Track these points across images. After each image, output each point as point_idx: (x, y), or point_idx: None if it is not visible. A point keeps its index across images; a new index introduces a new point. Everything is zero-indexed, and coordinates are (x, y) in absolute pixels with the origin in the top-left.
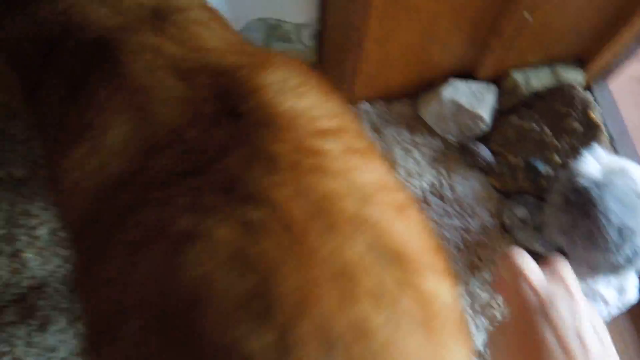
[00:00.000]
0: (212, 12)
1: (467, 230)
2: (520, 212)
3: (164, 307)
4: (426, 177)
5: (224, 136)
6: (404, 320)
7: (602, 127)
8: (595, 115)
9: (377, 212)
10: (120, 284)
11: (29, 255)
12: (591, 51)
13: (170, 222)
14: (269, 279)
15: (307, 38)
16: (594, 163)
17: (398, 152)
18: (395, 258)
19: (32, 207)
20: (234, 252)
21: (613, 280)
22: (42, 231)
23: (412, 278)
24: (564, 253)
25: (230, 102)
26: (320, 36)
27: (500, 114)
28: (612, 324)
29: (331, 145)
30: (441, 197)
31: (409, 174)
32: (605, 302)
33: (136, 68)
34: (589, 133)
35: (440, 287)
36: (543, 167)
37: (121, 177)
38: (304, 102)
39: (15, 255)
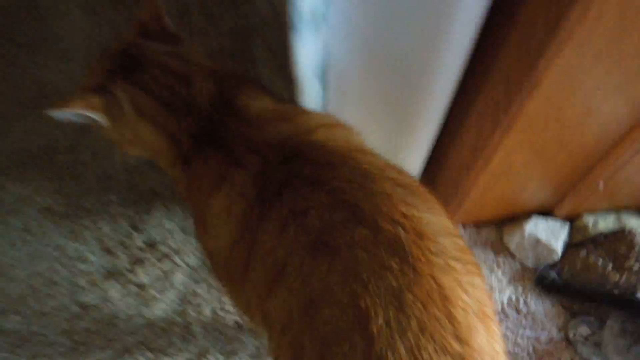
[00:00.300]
0: None
1: (537, 340)
2: (583, 329)
3: None
4: (506, 292)
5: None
6: None
7: None
8: None
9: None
10: None
11: (196, 329)
12: None
13: None
14: None
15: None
16: None
17: (484, 270)
18: None
19: (200, 288)
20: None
21: None
22: (207, 309)
23: None
24: None
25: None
26: (427, 167)
27: (570, 246)
28: None
29: (458, 266)
30: (517, 311)
31: (492, 289)
32: None
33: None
34: None
35: None
36: (553, 275)
37: None
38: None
39: (186, 327)
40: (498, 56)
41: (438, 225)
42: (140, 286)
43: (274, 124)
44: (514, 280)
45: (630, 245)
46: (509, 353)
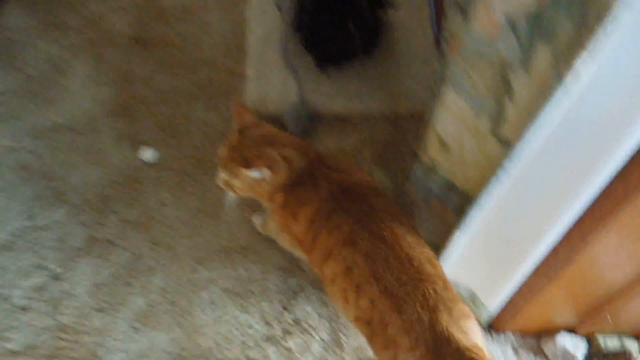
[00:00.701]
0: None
1: None
2: None
3: None
4: None
5: None
6: None
7: None
8: None
9: None
10: None
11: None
12: None
13: None
14: None
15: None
16: None
17: None
18: None
19: (330, 357)
20: None
21: None
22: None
23: None
24: None
25: None
26: None
27: (587, 357)
28: None
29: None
30: None
31: None
32: None
33: None
34: None
35: None
36: None
37: None
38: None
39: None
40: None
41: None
42: (289, 350)
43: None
44: None
45: None
46: None
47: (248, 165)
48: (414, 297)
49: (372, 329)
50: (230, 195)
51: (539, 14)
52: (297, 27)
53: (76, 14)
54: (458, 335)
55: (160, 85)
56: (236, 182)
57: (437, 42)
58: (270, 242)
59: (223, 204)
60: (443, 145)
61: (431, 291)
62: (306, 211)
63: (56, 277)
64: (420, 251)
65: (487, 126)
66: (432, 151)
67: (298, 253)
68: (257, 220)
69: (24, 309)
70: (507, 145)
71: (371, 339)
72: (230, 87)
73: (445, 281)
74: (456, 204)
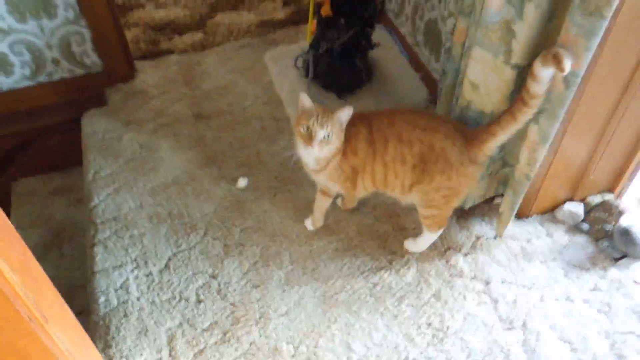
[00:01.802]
0: None
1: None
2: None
3: None
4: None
5: None
6: None
7: None
8: None
9: None
10: None
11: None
12: None
13: None
14: None
15: None
16: None
17: None
18: None
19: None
20: None
21: None
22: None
23: None
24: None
25: None
26: None
27: (587, 211)
28: None
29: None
30: None
31: None
32: None
33: None
34: None
35: None
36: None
37: None
38: None
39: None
40: None
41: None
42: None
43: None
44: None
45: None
46: None
47: (335, 111)
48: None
49: (425, 168)
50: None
51: None
52: (315, 76)
53: (145, 110)
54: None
55: (228, 139)
56: (333, 134)
57: (411, 62)
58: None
59: (313, 201)
60: (475, 87)
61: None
62: (361, 145)
63: (213, 276)
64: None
65: (502, 60)
66: (466, 94)
67: (346, 189)
68: (339, 202)
69: (200, 301)
70: (516, 67)
71: (428, 175)
72: (277, 127)
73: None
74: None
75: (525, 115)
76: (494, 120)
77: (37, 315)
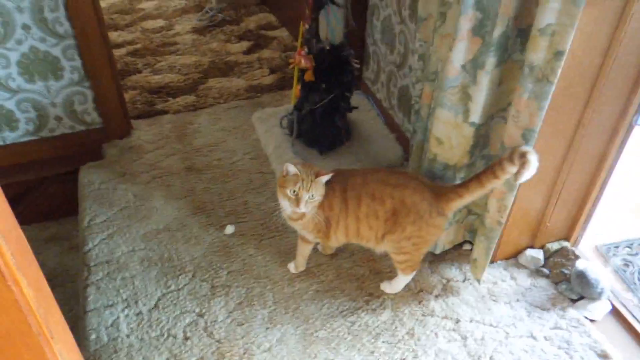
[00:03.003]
0: None
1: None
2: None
3: None
4: None
5: None
6: None
7: None
8: None
9: None
10: None
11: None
12: None
13: None
14: None
15: None
16: None
17: None
18: None
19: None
20: None
21: None
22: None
23: None
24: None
25: None
26: None
27: (547, 256)
28: None
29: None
30: None
31: None
32: None
33: None
34: None
35: None
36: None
37: None
38: None
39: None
40: None
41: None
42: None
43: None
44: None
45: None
46: None
47: (319, 174)
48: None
49: (396, 220)
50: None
51: (475, 58)
52: (298, 134)
53: (139, 163)
54: None
55: (217, 190)
56: (316, 194)
57: (386, 124)
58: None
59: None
60: (440, 142)
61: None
62: (336, 201)
63: (200, 315)
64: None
65: (461, 119)
66: (433, 149)
67: (319, 238)
68: (319, 247)
69: (187, 338)
70: (474, 125)
71: (399, 226)
72: (263, 180)
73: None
74: (450, 176)
75: (492, 184)
76: (463, 184)
77: (45, 331)
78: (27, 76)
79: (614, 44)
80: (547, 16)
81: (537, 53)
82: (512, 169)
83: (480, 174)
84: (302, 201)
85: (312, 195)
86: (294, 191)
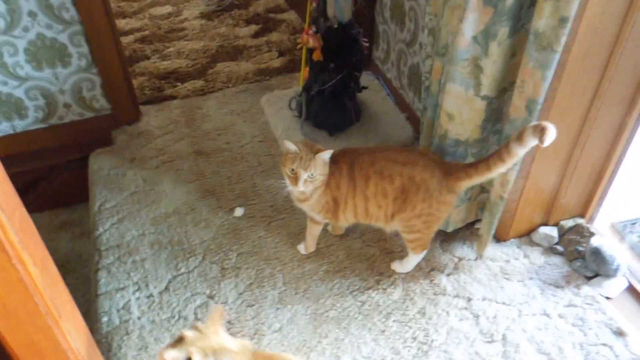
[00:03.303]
0: None
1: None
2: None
3: None
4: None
5: None
6: None
7: None
8: None
9: None
10: None
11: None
12: None
13: None
14: None
15: None
16: None
17: None
18: None
19: None
20: None
21: None
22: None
23: None
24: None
25: None
26: None
27: (561, 234)
28: None
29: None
30: None
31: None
32: None
33: None
34: None
35: None
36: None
37: None
38: None
39: None
40: None
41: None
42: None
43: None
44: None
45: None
46: None
47: (318, 152)
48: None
49: (406, 198)
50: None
51: (486, 29)
52: (307, 116)
53: (148, 148)
54: None
55: (226, 173)
56: (316, 172)
57: (397, 103)
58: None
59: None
60: (451, 117)
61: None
62: (343, 181)
63: (211, 296)
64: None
65: (473, 93)
66: (444, 124)
67: (328, 219)
68: (329, 228)
69: (197, 320)
70: (486, 98)
71: (409, 204)
72: (272, 163)
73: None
74: (462, 153)
75: (499, 168)
76: (472, 164)
77: (52, 310)
78: (34, 63)
79: (632, 9)
80: None
81: (542, 19)
82: (521, 151)
83: (489, 157)
84: (300, 179)
85: (312, 174)
86: (293, 170)
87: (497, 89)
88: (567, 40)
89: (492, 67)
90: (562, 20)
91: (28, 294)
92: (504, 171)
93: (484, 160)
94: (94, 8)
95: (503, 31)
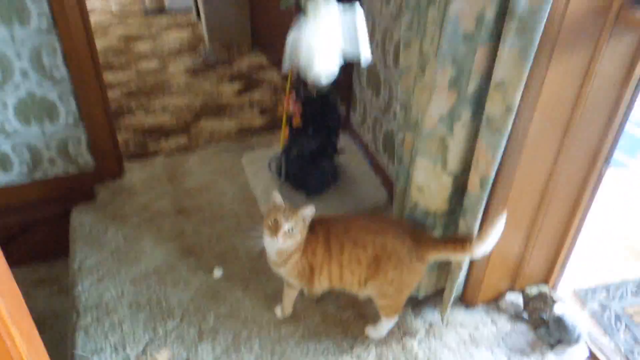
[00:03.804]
0: None
1: None
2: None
3: None
4: None
5: None
6: None
7: None
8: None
9: None
10: None
11: None
12: None
13: None
14: None
15: None
16: None
17: None
18: None
19: None
20: None
21: None
22: None
23: None
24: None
25: None
26: None
27: (526, 301)
28: None
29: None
30: None
31: None
32: None
33: None
34: None
35: None
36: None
37: None
38: None
39: None
40: None
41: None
42: None
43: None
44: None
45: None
46: None
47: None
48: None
49: (378, 265)
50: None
51: (452, 110)
52: (286, 177)
53: (130, 205)
54: None
55: (206, 233)
56: (296, 228)
57: (372, 166)
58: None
59: (282, 290)
60: (420, 190)
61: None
62: (319, 248)
63: (187, 358)
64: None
65: (440, 168)
66: (414, 196)
67: (303, 284)
68: (305, 291)
69: None
70: (452, 174)
71: (381, 271)
72: (252, 223)
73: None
74: (431, 223)
75: (462, 257)
76: (440, 240)
77: None
78: (23, 120)
79: (580, 98)
80: (500, 72)
81: (493, 106)
82: (481, 249)
83: (456, 240)
84: (280, 230)
85: (292, 229)
86: (275, 219)
87: (462, 166)
88: (524, 124)
89: (457, 145)
90: (509, 108)
91: None
92: (464, 260)
93: (451, 241)
94: (83, 67)
95: (466, 114)
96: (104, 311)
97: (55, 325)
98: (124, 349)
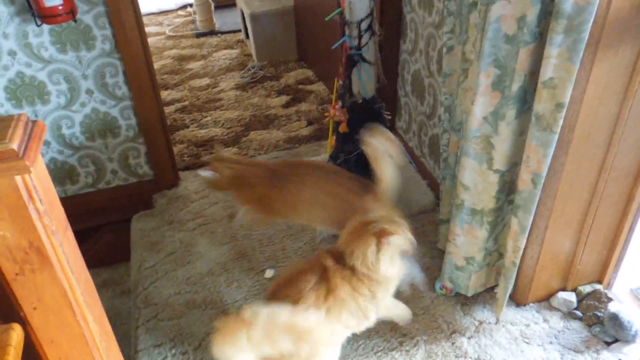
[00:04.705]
0: None
1: None
2: None
3: None
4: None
5: None
6: None
7: None
8: None
9: None
10: None
11: None
12: None
13: None
14: None
15: None
16: None
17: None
18: None
19: None
20: None
21: None
22: None
23: None
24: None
25: None
26: None
27: (579, 299)
28: None
29: None
30: None
31: None
32: None
33: None
34: None
35: None
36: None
37: None
38: None
39: None
40: None
41: None
42: None
43: None
44: None
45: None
46: None
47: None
48: None
49: None
50: None
51: (495, 111)
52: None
53: (186, 211)
54: None
55: (257, 237)
56: None
57: (418, 171)
58: None
59: None
60: (466, 188)
61: None
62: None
63: None
64: None
65: (486, 167)
66: (460, 195)
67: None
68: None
69: None
70: (498, 172)
71: None
72: (301, 227)
73: None
74: (478, 221)
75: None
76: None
77: None
78: (88, 135)
79: (628, 95)
80: (548, 70)
81: (541, 104)
82: None
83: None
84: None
85: None
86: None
87: (508, 163)
88: (570, 121)
89: (502, 144)
90: (559, 105)
91: (87, 348)
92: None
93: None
94: (143, 85)
95: (510, 113)
96: (163, 309)
97: (118, 323)
98: (182, 343)
